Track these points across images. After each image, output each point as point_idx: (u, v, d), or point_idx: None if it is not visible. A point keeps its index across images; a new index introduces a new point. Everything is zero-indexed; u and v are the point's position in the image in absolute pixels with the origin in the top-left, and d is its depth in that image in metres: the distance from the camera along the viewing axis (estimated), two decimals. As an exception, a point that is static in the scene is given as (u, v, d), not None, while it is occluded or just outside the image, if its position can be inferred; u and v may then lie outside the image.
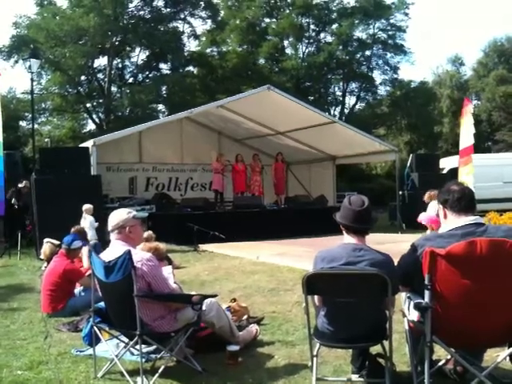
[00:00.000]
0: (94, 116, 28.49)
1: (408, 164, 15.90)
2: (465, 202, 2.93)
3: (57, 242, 6.62)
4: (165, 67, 30.21)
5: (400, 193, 15.44)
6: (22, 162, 13.38)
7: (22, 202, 12.15)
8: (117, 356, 3.63)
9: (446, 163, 17.33)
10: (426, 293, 2.75)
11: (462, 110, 11.90)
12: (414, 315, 3.01)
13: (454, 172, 13.51)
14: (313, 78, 32.39)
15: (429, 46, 70.21)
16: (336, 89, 35.02)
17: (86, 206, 9.38)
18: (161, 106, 30.00)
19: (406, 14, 33.46)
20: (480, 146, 31.75)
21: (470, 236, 2.78)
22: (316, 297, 3.15)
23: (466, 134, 11.58)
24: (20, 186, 12.22)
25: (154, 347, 3.79)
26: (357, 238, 3.11)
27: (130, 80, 29.59)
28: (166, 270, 4.01)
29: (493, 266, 2.71)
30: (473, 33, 76.49)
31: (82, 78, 27.77)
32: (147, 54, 29.36)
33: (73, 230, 7.10)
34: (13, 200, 12.07)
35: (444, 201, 2.99)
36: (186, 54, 29.24)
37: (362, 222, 3.10)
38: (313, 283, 2.98)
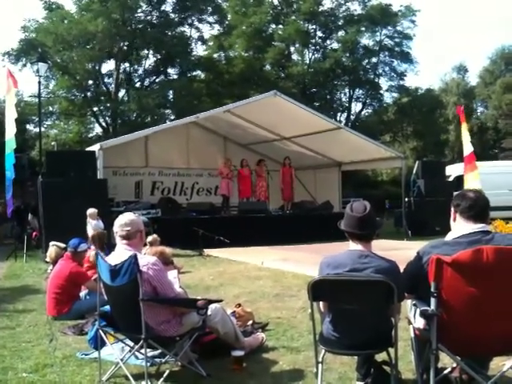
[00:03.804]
0: (101, 120, 28.54)
1: (414, 171, 15.88)
2: (475, 210, 2.92)
3: (63, 245, 6.66)
4: (172, 72, 30.32)
5: (406, 199, 15.41)
6: (28, 165, 13.43)
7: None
8: (122, 360, 3.63)
9: (452, 170, 17.31)
10: (432, 300, 2.74)
11: (461, 118, 12.10)
12: (419, 323, 3.00)
13: (460, 179, 13.50)
14: (319, 84, 32.38)
15: (434, 53, 70.17)
16: (342, 95, 34.97)
17: (90, 211, 9.37)
18: (168, 111, 30.04)
19: (413, 22, 33.41)
20: (486, 154, 31.75)
21: (477, 244, 2.77)
22: (321, 303, 3.14)
23: (466, 141, 11.77)
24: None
25: (159, 351, 3.78)
26: (362, 245, 3.10)
27: (138, 84, 29.62)
28: (172, 275, 4.02)
29: (499, 274, 2.70)
30: (478, 39, 76.52)
31: (90, 82, 27.85)
32: (155, 58, 29.47)
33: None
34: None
35: (456, 205, 3.01)
36: (193, 58, 29.28)
37: (365, 228, 3.09)
38: (318, 289, 2.97)
